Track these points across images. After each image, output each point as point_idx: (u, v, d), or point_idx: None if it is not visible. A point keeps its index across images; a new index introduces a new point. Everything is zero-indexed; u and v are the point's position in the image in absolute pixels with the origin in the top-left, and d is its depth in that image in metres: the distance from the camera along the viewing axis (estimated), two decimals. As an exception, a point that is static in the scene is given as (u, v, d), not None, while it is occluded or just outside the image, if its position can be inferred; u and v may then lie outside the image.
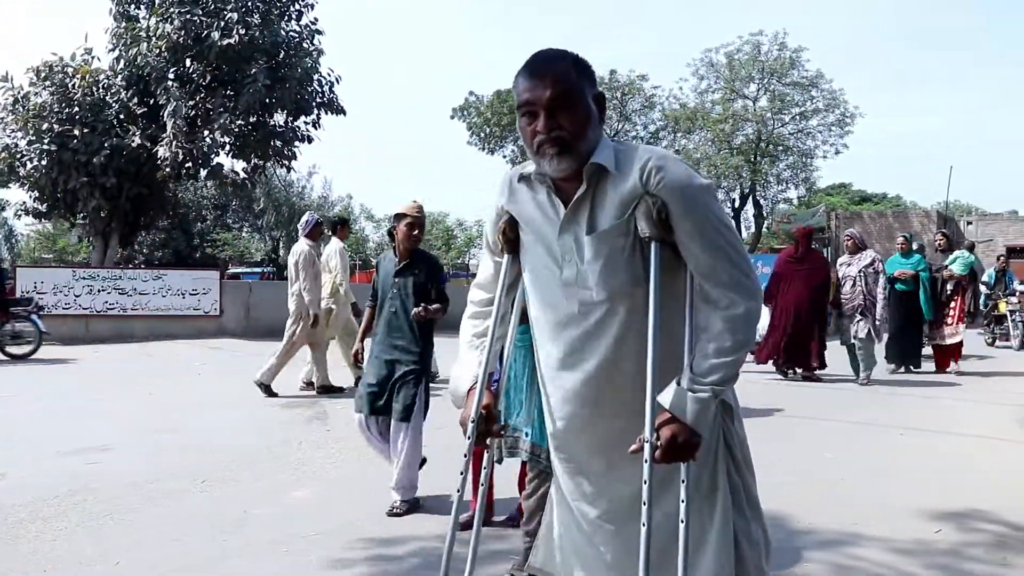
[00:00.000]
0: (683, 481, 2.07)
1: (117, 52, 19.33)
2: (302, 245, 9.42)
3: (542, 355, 2.29)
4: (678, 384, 2.06)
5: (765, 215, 35.40)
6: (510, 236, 2.31)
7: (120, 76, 19.42)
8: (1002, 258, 18.53)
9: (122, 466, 5.87)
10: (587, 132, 2.07)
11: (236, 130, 19.13)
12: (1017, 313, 16.41)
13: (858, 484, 5.58)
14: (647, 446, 2.03)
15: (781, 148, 33.22)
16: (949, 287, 12.05)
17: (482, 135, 35.20)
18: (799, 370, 11.01)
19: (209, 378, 11.04)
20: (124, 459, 6.12)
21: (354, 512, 4.83)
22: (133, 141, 18.86)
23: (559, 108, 2.05)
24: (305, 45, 20.24)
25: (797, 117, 33.10)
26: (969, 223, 33.61)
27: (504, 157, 36.00)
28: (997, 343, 16.83)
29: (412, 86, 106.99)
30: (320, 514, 4.78)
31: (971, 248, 13.07)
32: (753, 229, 35.16)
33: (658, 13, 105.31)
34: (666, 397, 2.05)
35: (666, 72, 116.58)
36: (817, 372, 10.92)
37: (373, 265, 24.16)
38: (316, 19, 20.75)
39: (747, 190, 33.59)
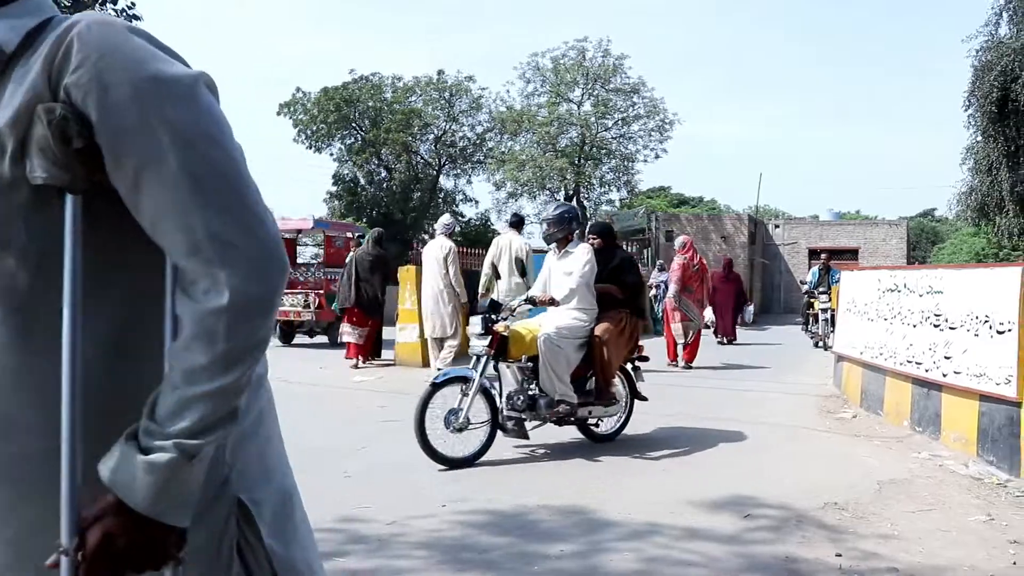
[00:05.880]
0: None
1: None
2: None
3: None
4: (127, 440, 1.12)
5: (589, 216, 36.31)
6: None
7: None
8: (825, 256, 17.57)
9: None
10: None
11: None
12: (828, 311, 15.07)
13: (670, 474, 5.77)
14: (65, 560, 1.12)
15: (604, 151, 34.26)
16: None
17: (308, 132, 35.03)
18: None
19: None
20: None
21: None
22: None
23: None
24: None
25: (619, 122, 34.20)
26: (777, 226, 35.57)
27: (331, 155, 35.97)
28: (814, 339, 16.39)
29: (237, 82, 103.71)
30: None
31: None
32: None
33: (487, 17, 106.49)
34: (107, 465, 1.12)
35: (493, 75, 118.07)
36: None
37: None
38: (133, 3, 19.74)
39: (571, 192, 34.37)
